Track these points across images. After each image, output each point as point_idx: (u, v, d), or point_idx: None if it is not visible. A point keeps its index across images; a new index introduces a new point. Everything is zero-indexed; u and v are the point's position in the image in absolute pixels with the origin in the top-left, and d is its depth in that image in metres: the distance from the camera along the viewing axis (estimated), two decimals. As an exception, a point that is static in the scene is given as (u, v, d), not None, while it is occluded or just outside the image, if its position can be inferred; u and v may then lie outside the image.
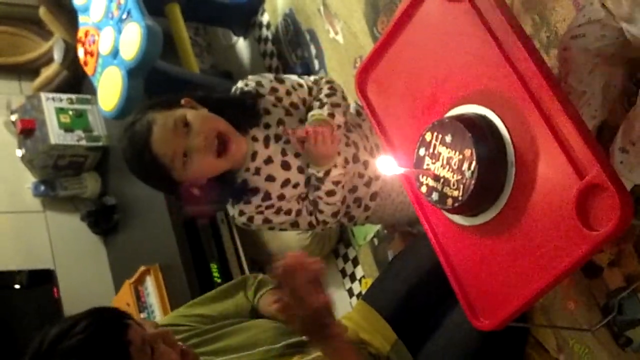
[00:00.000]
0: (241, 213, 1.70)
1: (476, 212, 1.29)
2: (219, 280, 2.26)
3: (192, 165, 1.58)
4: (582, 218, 1.11)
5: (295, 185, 1.67)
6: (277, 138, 1.66)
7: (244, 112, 1.66)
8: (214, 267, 2.27)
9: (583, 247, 1.12)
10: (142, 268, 2.32)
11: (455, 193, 1.27)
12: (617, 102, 1.40)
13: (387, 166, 1.28)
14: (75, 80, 2.86)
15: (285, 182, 1.67)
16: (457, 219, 1.33)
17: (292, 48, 2.57)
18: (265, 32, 2.71)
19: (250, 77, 1.75)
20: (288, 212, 1.69)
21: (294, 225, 1.72)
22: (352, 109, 1.82)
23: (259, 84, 1.72)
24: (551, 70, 1.21)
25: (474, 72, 1.32)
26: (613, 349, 1.47)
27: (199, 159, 1.57)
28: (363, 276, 2.25)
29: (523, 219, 1.22)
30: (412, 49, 1.45)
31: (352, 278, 2.29)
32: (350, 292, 2.30)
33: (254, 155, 1.65)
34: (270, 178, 1.67)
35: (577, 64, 1.32)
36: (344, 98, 1.75)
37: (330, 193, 1.65)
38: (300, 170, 1.67)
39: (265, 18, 2.69)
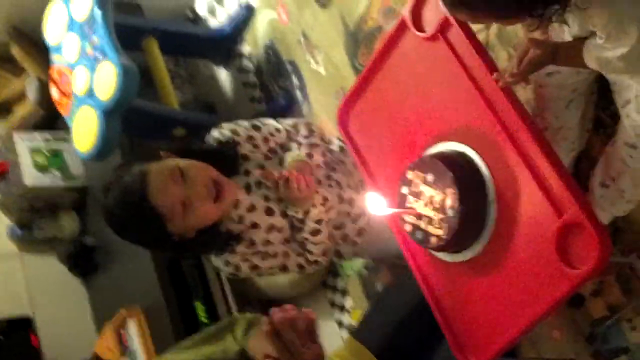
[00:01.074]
0: (227, 263, 1.68)
1: (460, 249, 1.31)
2: (205, 320, 2.23)
3: (193, 214, 1.55)
4: (562, 256, 1.13)
5: (280, 230, 1.67)
6: (258, 185, 1.66)
7: (225, 161, 1.66)
8: (199, 306, 2.25)
9: (565, 285, 1.14)
10: (124, 311, 2.28)
11: (439, 232, 1.28)
12: (593, 133, 1.42)
13: (373, 206, 1.29)
14: (51, 118, 2.81)
15: (270, 228, 1.66)
16: (442, 255, 1.35)
17: (274, 79, 2.58)
18: (246, 63, 2.71)
19: (224, 125, 1.73)
20: (275, 255, 1.68)
21: (283, 269, 1.71)
22: (335, 146, 1.83)
23: (234, 132, 1.70)
24: (526, 110, 1.24)
25: (453, 109, 1.34)
26: (600, 377, 1.49)
27: (200, 206, 1.55)
28: (352, 307, 2.25)
29: (506, 256, 1.24)
30: (391, 86, 1.48)
31: (341, 309, 2.30)
32: (340, 323, 2.30)
33: (236, 204, 1.65)
34: (254, 225, 1.66)
35: (553, 100, 1.35)
36: (323, 139, 1.76)
37: (315, 232, 1.65)
38: (284, 214, 1.67)
39: (246, 49, 2.70)
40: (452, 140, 1.33)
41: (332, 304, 2.32)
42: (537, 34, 1.13)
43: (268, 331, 1.33)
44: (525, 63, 1.16)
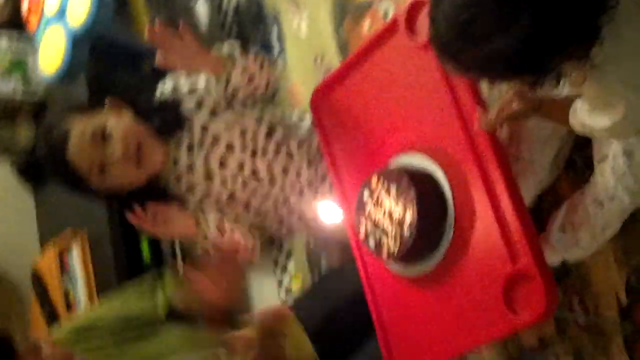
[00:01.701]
0: None
1: (410, 264, 1.31)
2: (148, 261, 2.22)
3: (110, 177, 1.53)
4: (507, 301, 1.14)
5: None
6: (200, 145, 1.62)
7: (168, 118, 1.62)
8: (145, 246, 2.23)
9: (503, 328, 1.15)
10: (69, 233, 2.26)
11: (392, 245, 1.28)
12: (563, 172, 1.42)
13: (328, 212, 1.28)
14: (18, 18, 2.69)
15: (206, 194, 1.65)
16: (391, 264, 1.35)
17: (253, 27, 2.49)
18: (226, 3, 2.60)
19: (167, 77, 1.68)
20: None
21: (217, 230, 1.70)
22: (305, 123, 1.79)
23: (175, 85, 1.66)
24: (502, 146, 1.22)
25: (429, 122, 1.32)
26: (518, 402, 1.54)
27: (117, 170, 1.53)
28: (294, 271, 2.27)
29: (452, 282, 1.25)
30: (372, 82, 1.44)
31: (283, 270, 2.31)
32: (280, 284, 2.31)
33: (175, 162, 1.62)
34: (191, 187, 1.64)
35: (531, 135, 1.33)
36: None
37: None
38: (224, 183, 1.65)
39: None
40: (423, 154, 1.31)
41: (276, 263, 2.33)
42: (523, 87, 1.10)
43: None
44: (506, 114, 1.14)
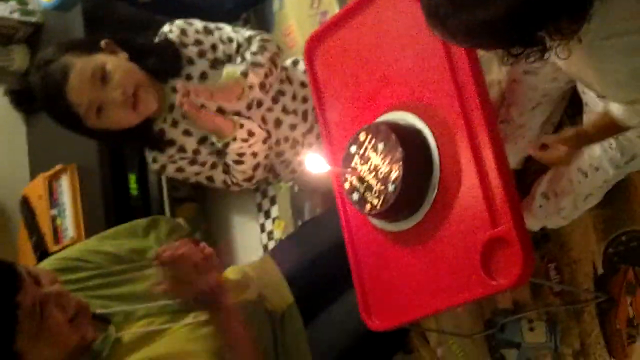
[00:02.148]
0: (155, 160, 1.67)
1: (392, 220, 1.32)
2: (135, 193, 2.23)
3: (107, 118, 1.54)
4: (484, 264, 1.15)
5: (213, 143, 1.65)
6: (198, 92, 1.61)
7: (165, 62, 1.61)
8: (132, 178, 2.23)
9: (479, 291, 1.17)
10: (59, 166, 2.26)
11: (375, 201, 1.29)
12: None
13: (314, 163, 1.27)
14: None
15: (203, 139, 1.64)
16: (372, 219, 1.36)
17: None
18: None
19: (177, 22, 1.66)
20: (202, 164, 1.67)
21: (209, 179, 1.70)
22: (300, 66, 1.77)
23: (183, 32, 1.63)
24: (492, 108, 1.22)
25: (421, 79, 1.31)
26: (486, 360, 1.58)
27: (114, 112, 1.53)
28: (277, 216, 2.28)
29: (433, 242, 1.26)
30: (367, 34, 1.42)
31: (267, 215, 2.32)
32: (262, 228, 2.33)
33: (171, 107, 1.61)
34: (187, 133, 1.63)
35: (522, 98, 1.33)
36: (272, 60, 1.65)
37: (238, 162, 1.64)
38: (212, 144, 1.65)
39: None
40: (412, 112, 1.30)
41: (259, 208, 2.34)
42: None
43: (163, 261, 1.39)
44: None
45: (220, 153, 1.65)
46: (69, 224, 2.23)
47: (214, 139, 1.61)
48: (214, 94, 1.54)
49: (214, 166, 1.68)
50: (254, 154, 1.63)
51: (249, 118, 1.62)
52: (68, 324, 1.27)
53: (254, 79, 1.59)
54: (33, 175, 2.44)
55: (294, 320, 1.65)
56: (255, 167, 1.67)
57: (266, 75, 1.61)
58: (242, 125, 1.59)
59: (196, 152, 1.66)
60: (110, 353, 1.37)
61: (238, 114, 1.62)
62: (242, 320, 1.46)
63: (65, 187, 2.24)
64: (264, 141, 1.65)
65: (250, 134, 1.61)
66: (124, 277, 1.50)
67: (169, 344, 1.43)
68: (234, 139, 1.59)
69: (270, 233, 2.29)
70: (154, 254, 1.42)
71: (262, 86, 1.61)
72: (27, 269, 1.26)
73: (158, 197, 2.25)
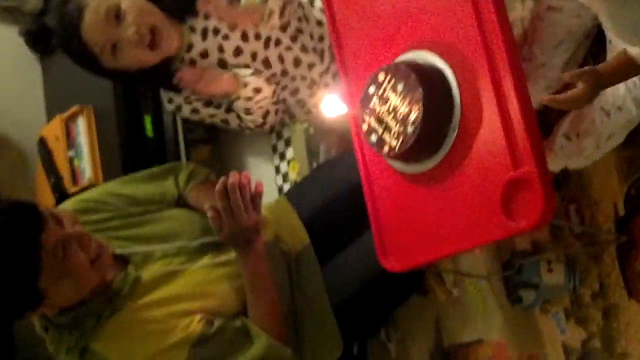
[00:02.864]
0: (170, 100, 1.67)
1: (410, 162, 1.31)
2: (150, 134, 2.22)
3: (122, 57, 1.53)
4: (505, 206, 1.14)
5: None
6: (216, 32, 1.59)
7: (182, 0, 1.59)
8: (147, 119, 2.22)
9: (499, 233, 1.16)
10: (75, 107, 2.26)
11: (394, 143, 1.27)
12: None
13: (331, 104, 1.26)
14: None
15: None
16: (392, 161, 1.35)
17: None
18: None
19: None
20: (218, 107, 1.67)
21: (224, 122, 1.70)
22: (316, 4, 1.73)
23: None
24: (515, 46, 1.18)
25: (442, 16, 1.27)
26: (503, 301, 1.58)
27: (129, 51, 1.53)
28: (292, 158, 2.26)
29: (452, 183, 1.24)
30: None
31: (282, 157, 2.30)
32: (277, 170, 2.31)
33: (189, 47, 1.60)
34: None
35: (545, 36, 1.29)
36: None
37: (247, 113, 1.63)
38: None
39: None
40: (433, 52, 1.27)
41: (274, 150, 2.32)
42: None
43: (219, 189, 1.38)
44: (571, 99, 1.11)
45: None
46: (86, 165, 2.24)
47: (219, 98, 1.60)
48: (233, 14, 1.51)
49: (228, 109, 1.67)
50: (262, 108, 1.62)
51: (259, 72, 1.60)
52: (89, 264, 1.29)
53: (273, 5, 1.56)
54: (49, 116, 2.44)
55: (310, 262, 1.66)
56: (265, 115, 1.66)
57: (284, 5, 1.59)
58: (246, 85, 1.58)
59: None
60: (130, 292, 1.40)
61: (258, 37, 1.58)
62: (268, 263, 1.47)
63: (82, 129, 2.25)
64: (272, 95, 1.63)
65: (257, 90, 1.60)
66: (143, 219, 1.51)
67: (188, 284, 1.45)
68: (238, 98, 1.58)
69: (285, 175, 2.28)
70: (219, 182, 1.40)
71: (282, 14, 1.58)
72: (50, 210, 1.27)
73: (173, 138, 2.24)
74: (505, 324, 1.58)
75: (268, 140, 2.35)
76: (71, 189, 2.27)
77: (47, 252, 1.21)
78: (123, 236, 1.46)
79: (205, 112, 1.68)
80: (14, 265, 1.22)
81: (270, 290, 1.44)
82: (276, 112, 1.70)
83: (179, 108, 1.68)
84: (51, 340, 1.40)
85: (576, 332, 1.46)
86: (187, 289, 1.44)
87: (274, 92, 1.63)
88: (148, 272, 1.43)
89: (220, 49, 1.60)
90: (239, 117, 1.67)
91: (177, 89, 1.65)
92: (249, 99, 1.58)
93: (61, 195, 2.29)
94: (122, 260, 1.44)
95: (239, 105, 1.59)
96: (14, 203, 1.26)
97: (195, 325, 1.39)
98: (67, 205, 1.54)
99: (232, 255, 1.49)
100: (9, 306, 1.29)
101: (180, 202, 1.63)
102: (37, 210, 1.25)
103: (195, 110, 1.68)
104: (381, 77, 1.30)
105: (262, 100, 1.61)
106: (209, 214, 1.40)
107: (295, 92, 1.71)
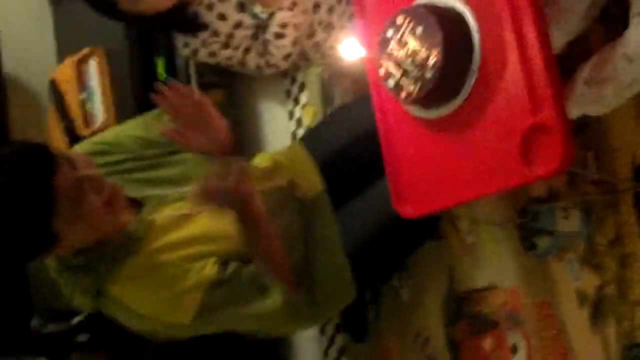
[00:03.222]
0: (186, 44, 1.65)
1: (428, 107, 1.29)
2: (162, 78, 2.20)
3: (140, 1, 1.49)
4: (523, 152, 1.12)
5: (247, 27, 1.61)
6: None
7: None
8: (160, 62, 2.20)
9: (516, 179, 1.15)
10: (87, 50, 2.23)
11: (411, 88, 1.25)
12: (596, 23, 1.35)
13: (348, 48, 1.23)
14: None
15: (237, 24, 1.60)
16: (409, 106, 1.33)
17: None
18: None
19: None
20: (236, 48, 1.64)
21: (241, 64, 1.67)
22: None
23: None
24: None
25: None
26: (517, 248, 1.57)
27: None
28: (306, 103, 2.24)
29: (470, 129, 1.23)
30: None
31: (296, 101, 2.29)
32: (291, 115, 2.30)
33: None
34: (222, 17, 1.59)
35: (568, -20, 1.25)
36: None
37: (279, 35, 1.60)
38: (255, 15, 1.60)
39: None
40: (453, -7, 1.24)
41: (288, 95, 2.31)
42: None
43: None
44: None
45: (257, 33, 1.61)
46: (98, 108, 2.23)
47: (258, 9, 1.57)
48: None
49: (246, 51, 1.65)
50: (296, 26, 1.59)
51: None
52: (103, 207, 1.29)
53: None
54: (60, 58, 2.42)
55: (324, 207, 1.66)
56: (294, 43, 1.63)
57: None
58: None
59: (230, 36, 1.62)
60: (144, 235, 1.40)
61: None
62: (274, 231, 1.45)
63: (94, 71, 2.23)
64: (305, 12, 1.60)
65: (293, 4, 1.57)
66: (156, 161, 1.51)
67: (201, 227, 1.46)
68: (280, 8, 1.55)
69: (299, 120, 2.27)
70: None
71: None
72: (63, 153, 1.27)
73: (186, 82, 2.23)
74: (519, 270, 1.58)
75: (281, 85, 2.33)
76: (83, 131, 2.26)
77: (60, 194, 1.21)
78: (137, 179, 1.46)
79: (223, 55, 1.66)
80: (27, 207, 1.22)
81: (277, 250, 1.43)
82: (295, 55, 1.67)
83: (195, 52, 1.66)
84: (66, 282, 1.41)
85: (590, 278, 1.46)
86: (201, 232, 1.45)
87: (307, 9, 1.60)
88: (162, 216, 1.43)
89: None
90: (260, 55, 1.64)
91: (194, 32, 1.62)
92: (290, 9, 1.55)
93: (74, 138, 2.29)
94: (136, 204, 1.44)
95: (278, 18, 1.55)
96: (28, 145, 1.25)
97: (210, 268, 1.40)
98: (81, 147, 1.54)
99: None
100: (23, 248, 1.30)
101: None
102: (50, 152, 1.24)
103: (212, 54, 1.65)
104: (400, 20, 1.27)
105: (298, 15, 1.57)
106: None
107: (311, 35, 1.68)
